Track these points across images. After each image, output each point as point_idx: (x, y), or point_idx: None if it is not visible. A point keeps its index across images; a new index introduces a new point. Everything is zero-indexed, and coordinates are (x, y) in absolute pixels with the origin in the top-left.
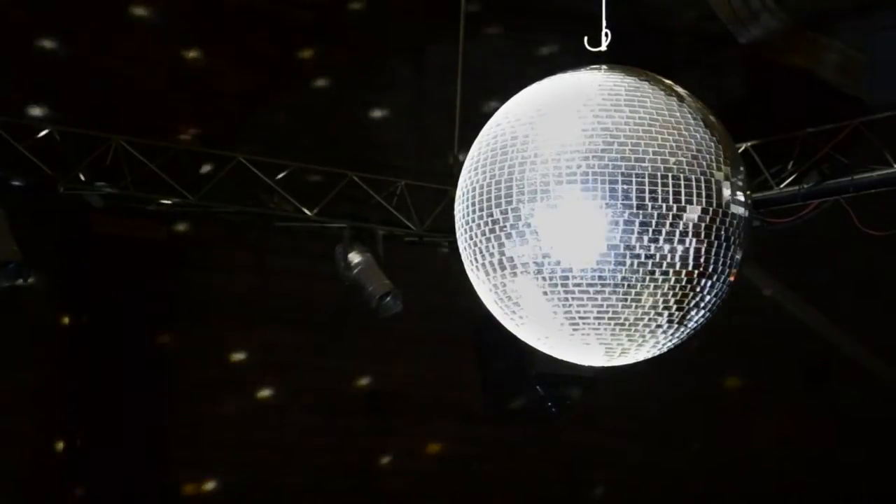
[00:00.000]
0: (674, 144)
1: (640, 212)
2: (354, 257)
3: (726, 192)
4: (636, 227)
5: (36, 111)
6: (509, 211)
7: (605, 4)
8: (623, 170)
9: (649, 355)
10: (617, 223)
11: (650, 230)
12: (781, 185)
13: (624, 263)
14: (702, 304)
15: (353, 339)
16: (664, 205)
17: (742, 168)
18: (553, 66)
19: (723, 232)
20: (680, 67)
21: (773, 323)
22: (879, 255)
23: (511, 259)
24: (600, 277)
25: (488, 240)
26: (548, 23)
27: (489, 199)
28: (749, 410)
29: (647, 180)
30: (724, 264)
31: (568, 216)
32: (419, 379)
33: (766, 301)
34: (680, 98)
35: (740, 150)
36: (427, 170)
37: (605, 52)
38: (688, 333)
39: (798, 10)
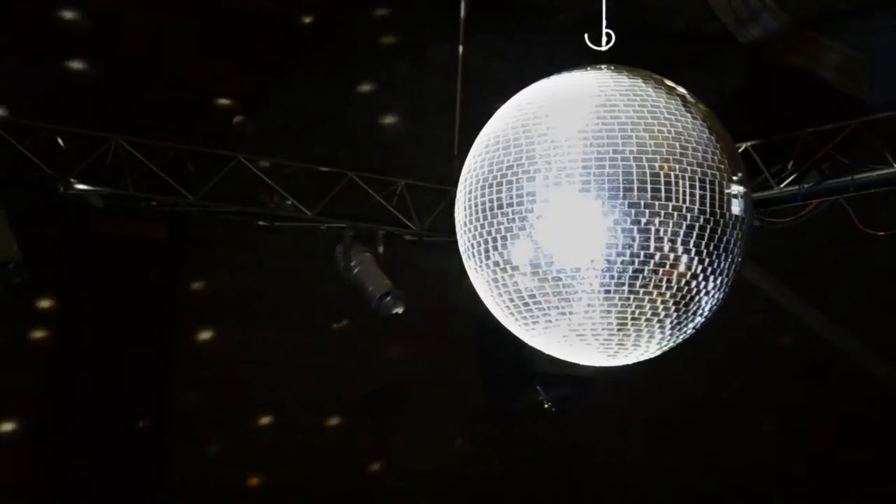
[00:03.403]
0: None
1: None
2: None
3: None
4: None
5: (36, 111)
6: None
7: (606, 5)
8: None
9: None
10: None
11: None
12: (781, 185)
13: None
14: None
15: (353, 338)
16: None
17: (742, 168)
18: (553, 66)
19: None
20: (680, 67)
21: (773, 323)
22: (879, 255)
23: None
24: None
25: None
26: (548, 23)
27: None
28: (749, 410)
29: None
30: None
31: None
32: (419, 379)
33: (766, 301)
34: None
35: (740, 150)
36: (427, 170)
37: (605, 51)
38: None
39: (798, 10)
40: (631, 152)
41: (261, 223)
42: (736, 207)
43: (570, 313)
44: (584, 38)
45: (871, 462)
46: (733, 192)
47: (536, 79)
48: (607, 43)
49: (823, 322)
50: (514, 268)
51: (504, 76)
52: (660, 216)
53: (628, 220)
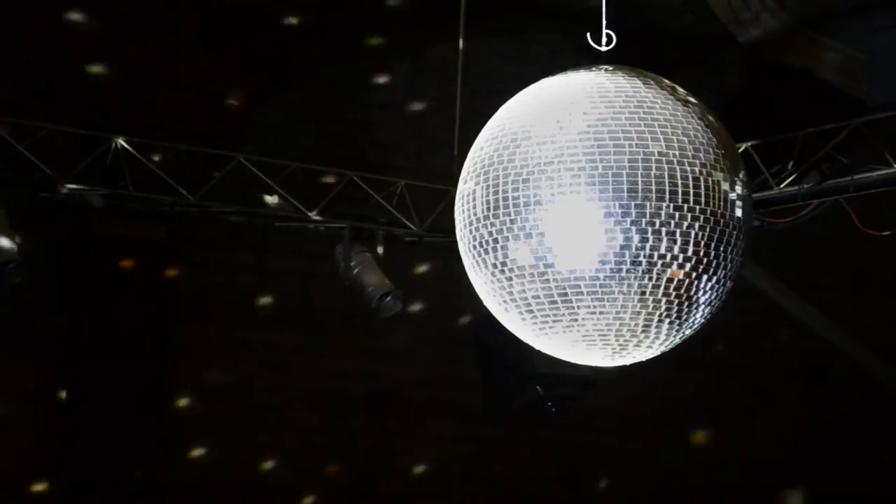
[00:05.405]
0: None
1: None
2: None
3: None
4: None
5: (36, 111)
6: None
7: (606, 5)
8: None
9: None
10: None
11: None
12: (781, 185)
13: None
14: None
15: (353, 339)
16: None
17: (742, 168)
18: (553, 65)
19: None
20: (680, 67)
21: (773, 323)
22: (879, 255)
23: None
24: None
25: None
26: (548, 22)
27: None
28: (749, 411)
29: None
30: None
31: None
32: (419, 379)
33: (766, 301)
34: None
35: (740, 150)
36: (427, 170)
37: (605, 52)
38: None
39: (798, 10)
40: (674, 156)
41: (261, 223)
42: (739, 209)
43: (601, 313)
44: (584, 38)
45: (872, 462)
46: (738, 194)
47: (537, 79)
48: (608, 44)
49: (823, 322)
50: (549, 265)
51: (504, 76)
52: (700, 220)
53: (672, 223)
